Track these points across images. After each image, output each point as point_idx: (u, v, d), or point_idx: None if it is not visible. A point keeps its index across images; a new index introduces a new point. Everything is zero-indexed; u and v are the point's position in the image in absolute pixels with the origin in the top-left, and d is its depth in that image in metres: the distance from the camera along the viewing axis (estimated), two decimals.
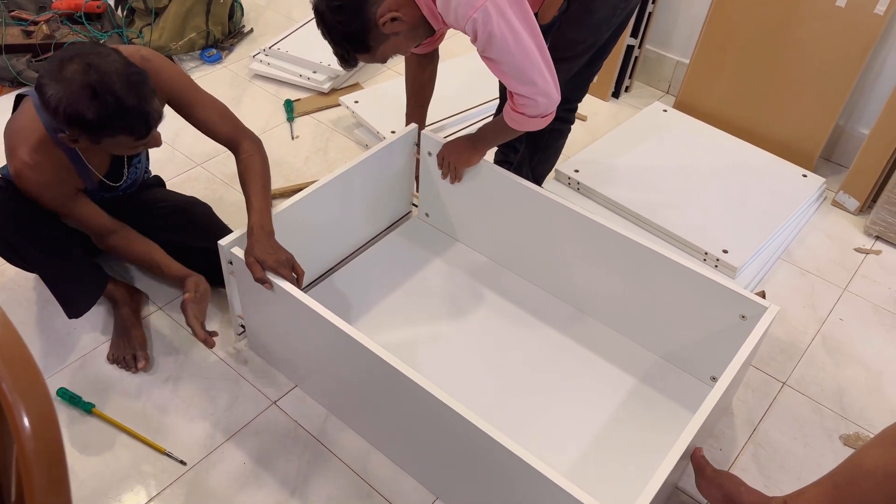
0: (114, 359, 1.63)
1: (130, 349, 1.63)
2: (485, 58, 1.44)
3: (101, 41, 2.52)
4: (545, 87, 1.46)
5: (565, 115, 1.78)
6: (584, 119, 2.50)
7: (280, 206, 1.57)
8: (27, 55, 2.43)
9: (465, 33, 1.40)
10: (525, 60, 1.41)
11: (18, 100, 1.51)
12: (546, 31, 1.72)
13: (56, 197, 1.49)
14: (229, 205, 2.03)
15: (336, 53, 1.46)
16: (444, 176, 1.80)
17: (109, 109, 1.27)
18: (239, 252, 1.45)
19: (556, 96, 1.50)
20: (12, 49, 2.42)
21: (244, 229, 1.48)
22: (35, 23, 2.50)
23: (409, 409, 1.33)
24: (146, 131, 1.34)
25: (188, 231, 1.71)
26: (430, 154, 1.84)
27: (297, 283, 1.43)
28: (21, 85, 2.41)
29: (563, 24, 1.63)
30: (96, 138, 1.32)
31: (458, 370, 1.64)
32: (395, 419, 1.41)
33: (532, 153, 1.85)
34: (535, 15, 1.63)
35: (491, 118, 2.33)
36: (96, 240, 1.59)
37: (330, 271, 1.85)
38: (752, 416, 1.63)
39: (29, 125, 1.43)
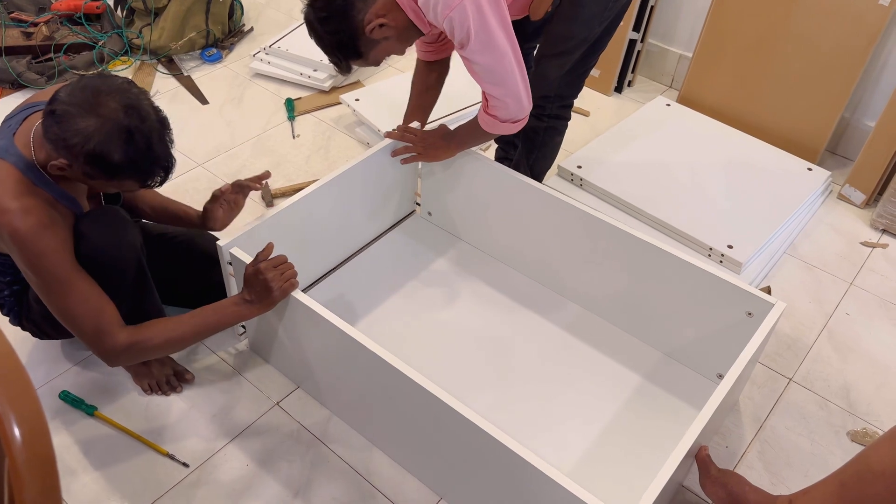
0: (153, 388, 1.57)
1: (164, 371, 1.57)
2: (461, 56, 1.46)
3: (101, 42, 2.51)
4: (515, 91, 1.48)
5: (561, 111, 1.77)
6: (586, 114, 2.48)
7: (281, 206, 1.56)
8: (27, 57, 2.43)
9: (445, 31, 1.41)
10: (497, 62, 1.43)
11: None
12: (539, 26, 1.71)
13: (59, 248, 1.26)
14: None
15: (331, 61, 1.48)
16: (404, 160, 1.78)
17: (139, 156, 1.20)
18: (238, 252, 1.45)
19: (527, 103, 1.52)
20: (12, 51, 2.42)
21: (242, 228, 1.49)
22: (35, 24, 2.50)
23: (412, 409, 1.32)
24: (162, 181, 1.27)
25: (197, 266, 1.63)
26: None
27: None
28: (21, 87, 2.40)
29: (555, 18, 1.63)
30: (107, 178, 1.22)
31: (461, 369, 1.63)
32: (397, 419, 1.40)
33: (529, 151, 1.84)
34: (528, 10, 1.62)
35: None
36: (107, 338, 1.30)
37: (332, 270, 1.84)
38: (759, 412, 1.62)
39: None
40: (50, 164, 1.22)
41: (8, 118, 1.35)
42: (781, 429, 1.59)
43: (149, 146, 1.21)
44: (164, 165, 1.25)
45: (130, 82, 1.24)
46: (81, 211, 1.35)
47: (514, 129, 1.57)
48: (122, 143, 1.18)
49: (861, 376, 1.71)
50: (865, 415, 1.62)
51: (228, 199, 1.54)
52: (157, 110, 1.25)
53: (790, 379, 1.69)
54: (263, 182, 1.54)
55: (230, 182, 1.54)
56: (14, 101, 2.36)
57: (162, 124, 1.24)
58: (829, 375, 1.71)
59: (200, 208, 1.67)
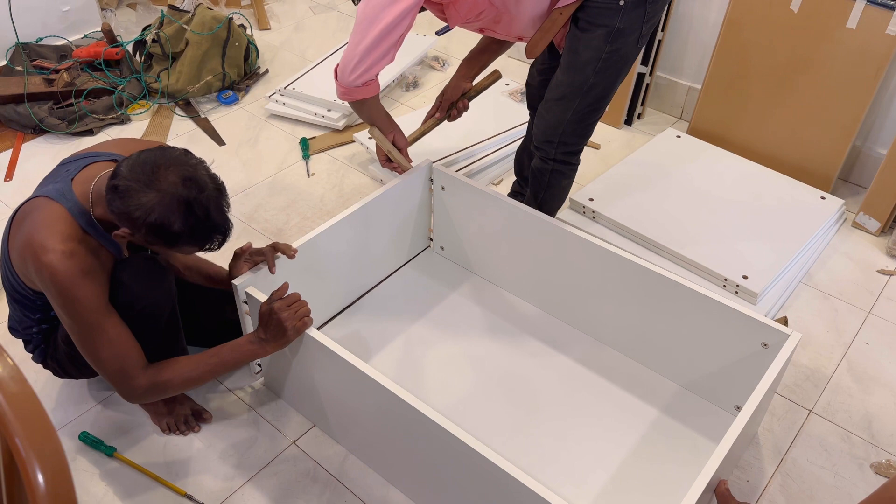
0: (171, 427, 1.58)
1: (182, 411, 1.59)
2: None
3: (121, 87, 2.58)
4: (346, 58, 1.55)
5: (565, 157, 1.77)
6: (597, 147, 2.50)
7: (296, 244, 1.58)
8: (49, 103, 2.49)
9: None
10: (359, 22, 1.50)
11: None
12: (546, 67, 1.76)
13: (94, 294, 1.30)
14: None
15: None
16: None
17: (197, 225, 1.25)
18: (253, 291, 1.46)
19: (342, 75, 1.57)
20: (34, 97, 2.49)
21: (257, 267, 1.52)
22: (56, 71, 2.56)
23: (427, 446, 1.32)
24: (220, 245, 1.32)
25: (213, 303, 1.66)
26: (443, 189, 1.85)
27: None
28: (43, 132, 2.46)
29: (559, 66, 1.68)
30: (168, 245, 1.28)
31: (476, 404, 1.63)
32: (413, 457, 1.40)
33: (535, 192, 1.85)
34: (526, 47, 1.68)
35: (502, 151, 2.35)
36: (129, 380, 1.35)
37: (346, 307, 1.85)
38: (779, 445, 1.60)
39: (50, 216, 1.30)
40: (114, 234, 1.29)
41: (65, 162, 1.41)
42: (803, 461, 1.57)
43: (207, 215, 1.26)
44: (221, 231, 1.31)
45: (188, 153, 1.29)
46: (122, 255, 1.40)
47: (338, 90, 1.62)
48: (181, 215, 1.23)
49: (883, 406, 1.68)
50: (889, 446, 1.60)
51: (253, 258, 1.53)
52: (214, 178, 1.30)
53: (810, 410, 1.67)
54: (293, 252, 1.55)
55: (252, 240, 1.57)
56: (36, 145, 2.42)
57: (219, 192, 1.29)
58: (851, 406, 1.68)
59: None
